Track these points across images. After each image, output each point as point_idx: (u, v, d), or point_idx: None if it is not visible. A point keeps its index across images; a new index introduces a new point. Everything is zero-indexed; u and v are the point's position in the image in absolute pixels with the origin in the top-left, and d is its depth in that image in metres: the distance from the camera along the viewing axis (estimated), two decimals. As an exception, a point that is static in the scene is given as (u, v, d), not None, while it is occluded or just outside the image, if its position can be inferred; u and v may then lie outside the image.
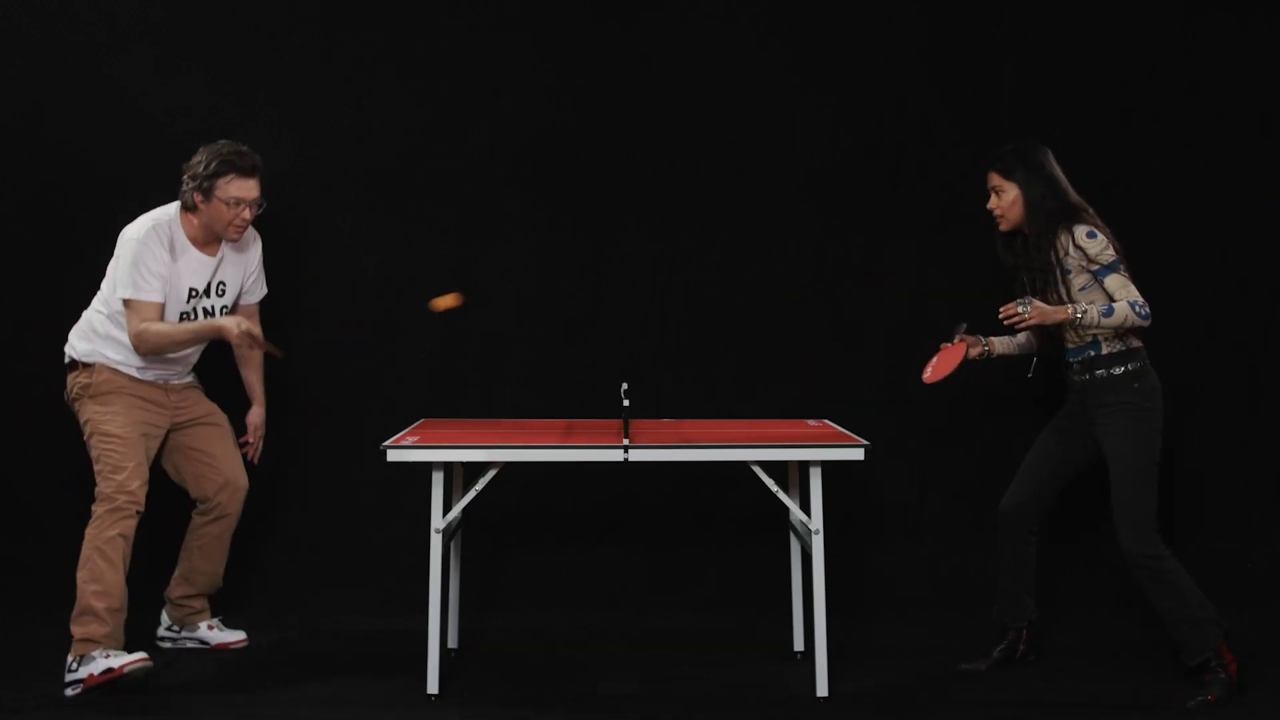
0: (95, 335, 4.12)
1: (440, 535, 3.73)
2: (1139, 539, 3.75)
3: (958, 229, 5.02)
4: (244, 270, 4.29)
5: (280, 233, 4.72)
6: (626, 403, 3.92)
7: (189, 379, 4.30)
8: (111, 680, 3.74)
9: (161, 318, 4.03)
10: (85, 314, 4.17)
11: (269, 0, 4.96)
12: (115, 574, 3.86)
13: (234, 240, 4.16)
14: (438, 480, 3.74)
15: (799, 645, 4.26)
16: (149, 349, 4.02)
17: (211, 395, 4.40)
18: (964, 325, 4.09)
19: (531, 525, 4.98)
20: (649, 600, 4.85)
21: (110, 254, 4.13)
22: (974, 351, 4.06)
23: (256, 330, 4.06)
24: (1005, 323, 3.80)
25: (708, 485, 4.90)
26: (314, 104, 4.96)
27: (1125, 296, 3.73)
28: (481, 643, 4.39)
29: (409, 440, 3.79)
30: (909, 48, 5.01)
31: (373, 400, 4.94)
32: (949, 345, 4.07)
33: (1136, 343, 3.83)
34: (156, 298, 4.01)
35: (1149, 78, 5.00)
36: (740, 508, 4.82)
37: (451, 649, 4.26)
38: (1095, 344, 3.83)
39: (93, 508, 3.95)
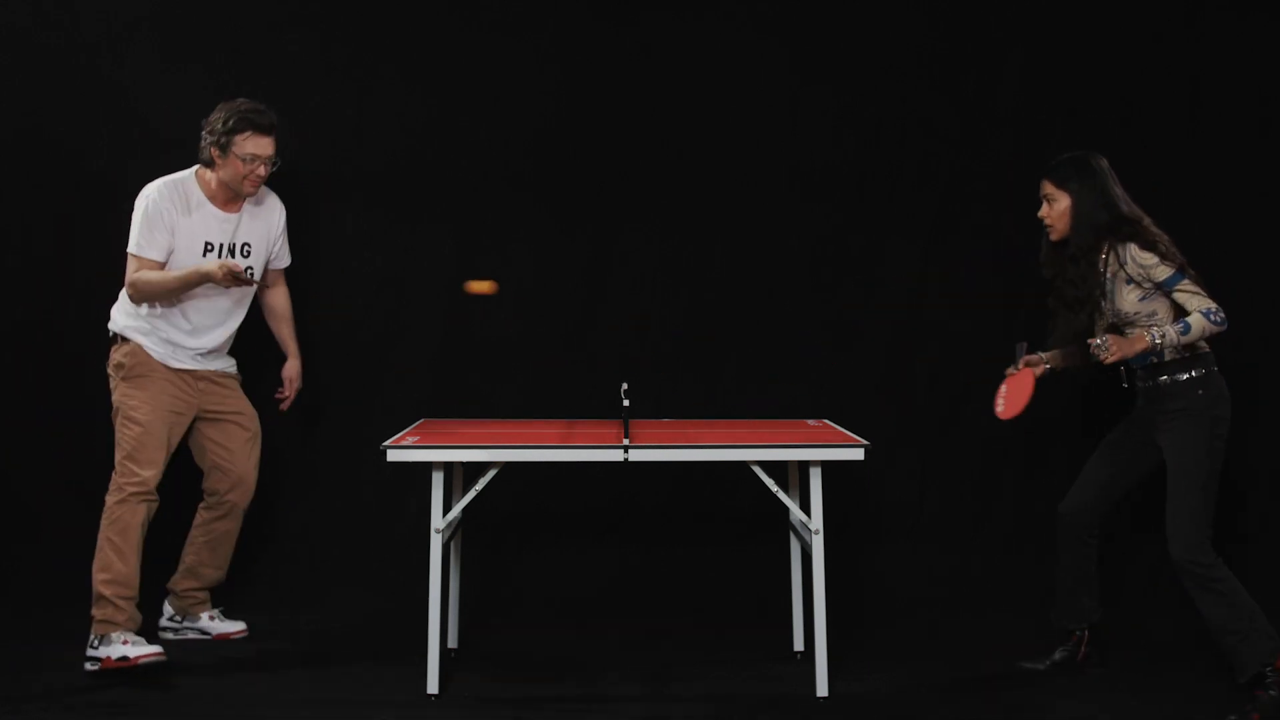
0: (133, 313, 4.19)
1: (440, 535, 3.73)
2: (1189, 547, 3.67)
3: (958, 229, 5.03)
4: (268, 233, 4.37)
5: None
6: (626, 403, 3.92)
7: (225, 365, 4.37)
8: (125, 668, 3.89)
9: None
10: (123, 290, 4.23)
11: (269, 0, 4.96)
12: (123, 563, 4.00)
13: (250, 194, 4.23)
14: (438, 480, 3.74)
15: (799, 645, 4.26)
16: (142, 297, 4.11)
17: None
18: (1024, 345, 3.99)
19: (531, 525, 4.98)
20: (649, 600, 4.85)
21: (115, 256, 4.18)
22: (1038, 372, 3.98)
23: (235, 265, 4.09)
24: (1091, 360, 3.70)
25: (708, 485, 4.90)
26: (314, 104, 4.96)
27: (1196, 306, 3.65)
28: (481, 643, 4.39)
29: (409, 440, 3.79)
30: (909, 47, 5.01)
31: (373, 400, 4.94)
32: (1013, 372, 3.99)
33: (1203, 348, 3.76)
34: (158, 256, 4.10)
35: (1149, 77, 5.00)
36: (740, 508, 4.82)
37: (451, 649, 4.26)
38: (1158, 352, 3.75)
39: (106, 495, 4.06)
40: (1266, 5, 4.98)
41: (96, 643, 3.97)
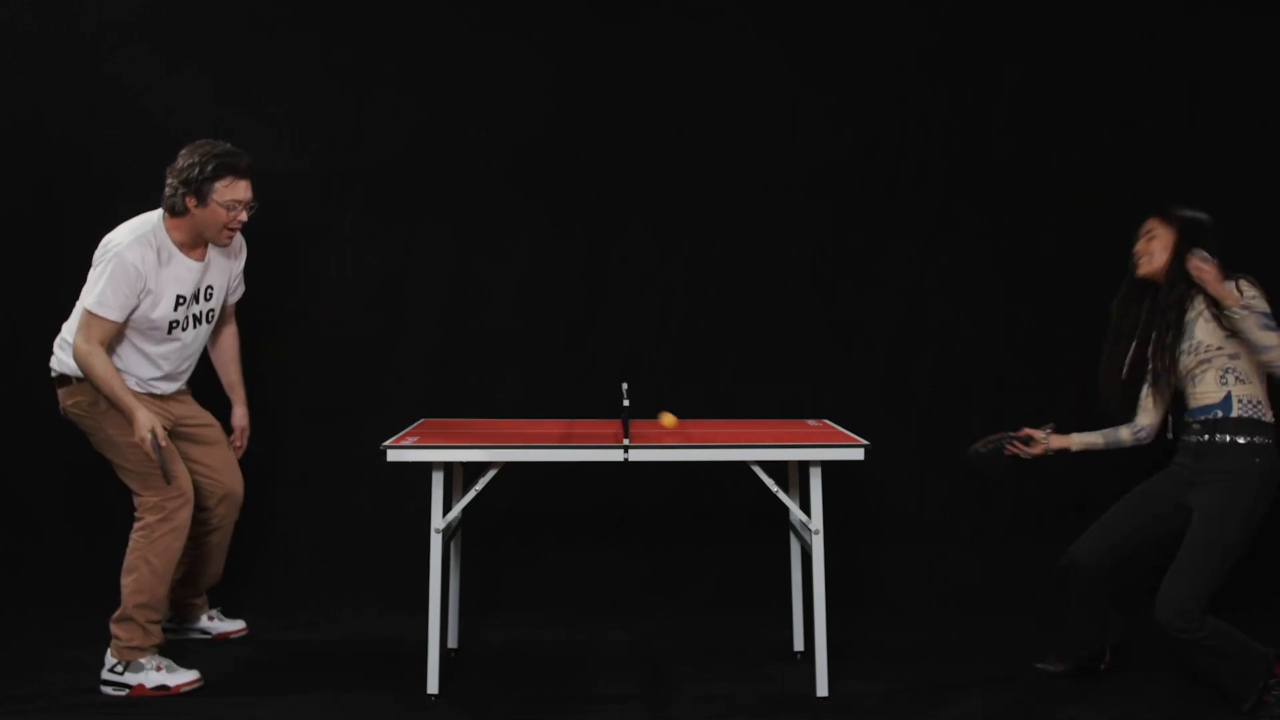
0: None
1: (440, 535, 3.73)
2: (1179, 613, 3.52)
3: (958, 229, 5.03)
4: (229, 274, 4.16)
5: (280, 233, 4.72)
6: (626, 403, 3.92)
7: (182, 384, 4.21)
8: (163, 696, 3.77)
9: (111, 337, 3.84)
10: (72, 327, 3.94)
11: (269, 0, 4.96)
12: (161, 586, 3.86)
13: (225, 244, 4.03)
14: (438, 480, 3.74)
15: (799, 645, 4.26)
16: (79, 367, 3.84)
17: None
18: (1050, 427, 4.01)
19: (531, 525, 4.98)
20: (649, 600, 4.85)
21: None
22: (1035, 450, 3.98)
23: (160, 440, 3.80)
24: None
25: (708, 485, 4.90)
26: (314, 104, 4.96)
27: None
28: (481, 643, 4.39)
29: (409, 440, 3.79)
30: (909, 48, 5.01)
31: (373, 400, 4.94)
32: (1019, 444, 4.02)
33: (1269, 417, 3.67)
34: (118, 318, 3.81)
35: (1149, 78, 5.00)
36: (740, 508, 4.82)
37: (451, 649, 4.26)
38: (1226, 403, 3.66)
39: (141, 515, 3.89)
40: (1266, 5, 4.98)
41: (121, 668, 3.80)
